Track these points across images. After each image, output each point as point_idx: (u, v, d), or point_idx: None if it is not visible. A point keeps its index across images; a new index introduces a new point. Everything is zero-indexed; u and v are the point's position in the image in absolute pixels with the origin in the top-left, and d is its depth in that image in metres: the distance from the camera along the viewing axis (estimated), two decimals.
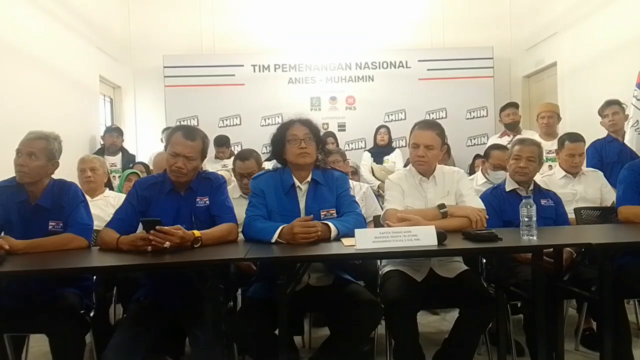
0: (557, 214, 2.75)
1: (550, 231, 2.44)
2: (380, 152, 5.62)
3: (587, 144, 3.93)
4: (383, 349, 2.53)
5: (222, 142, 5.53)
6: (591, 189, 3.29)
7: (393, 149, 5.74)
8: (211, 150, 5.31)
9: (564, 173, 3.33)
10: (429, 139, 2.48)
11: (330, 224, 2.21)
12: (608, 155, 3.88)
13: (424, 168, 2.53)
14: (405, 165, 4.30)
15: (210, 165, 5.27)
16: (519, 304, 2.95)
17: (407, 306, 2.23)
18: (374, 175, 5.41)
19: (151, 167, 4.54)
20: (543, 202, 2.73)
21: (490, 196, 2.76)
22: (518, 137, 3.03)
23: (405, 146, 5.50)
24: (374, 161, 5.52)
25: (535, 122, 4.80)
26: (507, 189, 2.78)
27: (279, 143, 2.40)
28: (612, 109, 3.90)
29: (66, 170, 2.61)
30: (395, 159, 5.57)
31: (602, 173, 3.48)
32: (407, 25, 6.74)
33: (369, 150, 5.74)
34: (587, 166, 3.68)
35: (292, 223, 2.15)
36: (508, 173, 2.88)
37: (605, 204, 3.29)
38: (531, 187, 2.79)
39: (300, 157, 2.35)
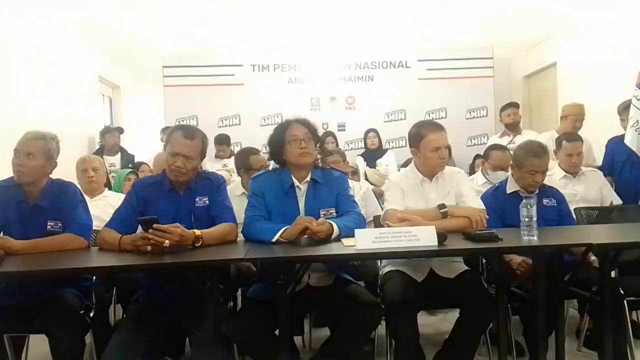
0: (560, 215, 2.70)
1: (551, 231, 2.43)
2: (372, 156, 5.56)
3: (586, 143, 3.91)
4: (383, 350, 2.52)
5: (223, 141, 5.53)
6: (592, 189, 3.29)
7: (385, 152, 5.69)
8: (212, 150, 5.31)
9: (564, 173, 3.32)
10: (446, 139, 2.50)
11: (333, 223, 2.21)
12: (619, 155, 3.85)
13: (444, 168, 2.55)
14: (404, 166, 4.28)
15: (211, 164, 5.26)
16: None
17: (407, 306, 2.23)
18: (367, 179, 5.31)
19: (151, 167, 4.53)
20: (545, 201, 2.69)
21: (491, 197, 2.73)
22: (528, 144, 2.74)
23: (405, 146, 5.49)
24: (367, 165, 5.41)
25: (560, 120, 4.41)
26: (509, 191, 2.73)
27: (278, 144, 2.40)
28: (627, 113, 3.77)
29: (65, 170, 2.60)
30: (389, 162, 5.50)
31: (601, 172, 3.49)
32: (407, 25, 6.73)
33: (361, 155, 5.66)
34: (601, 164, 3.67)
35: (296, 222, 2.16)
36: (513, 177, 2.76)
37: (605, 204, 3.29)
38: (536, 191, 2.70)
39: (302, 157, 2.35)
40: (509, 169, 2.87)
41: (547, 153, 2.70)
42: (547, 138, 4.06)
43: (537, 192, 2.71)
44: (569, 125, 4.21)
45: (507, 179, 2.83)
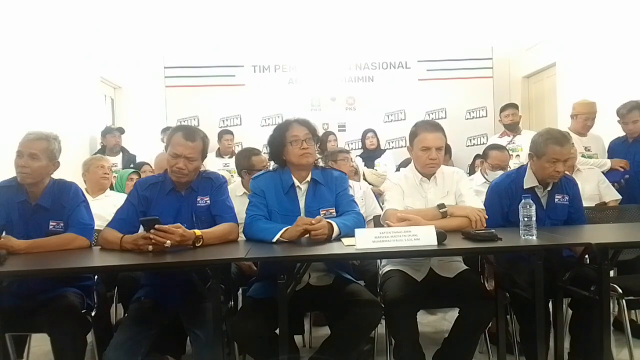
0: (569, 216, 2.62)
1: (550, 230, 2.44)
2: (370, 156, 5.57)
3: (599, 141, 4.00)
4: (383, 349, 2.53)
5: (228, 131, 5.78)
6: (588, 185, 3.29)
7: (383, 152, 5.70)
8: (213, 148, 5.32)
9: None
10: (439, 140, 2.49)
11: (333, 223, 2.22)
12: (618, 156, 3.86)
13: (435, 170, 2.54)
14: (403, 166, 4.29)
15: (212, 161, 5.28)
16: None
17: (407, 306, 2.24)
18: (365, 179, 5.30)
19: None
20: (557, 198, 2.58)
21: (504, 191, 2.59)
22: (548, 131, 2.55)
23: (405, 146, 5.50)
24: (364, 165, 5.39)
25: (570, 119, 4.24)
26: (526, 186, 2.56)
27: (279, 144, 2.41)
28: (633, 116, 3.70)
29: (66, 171, 2.61)
30: (387, 162, 5.51)
31: (598, 169, 3.50)
32: (407, 25, 6.74)
33: (359, 156, 5.63)
34: None
35: (297, 223, 2.18)
36: (532, 169, 2.58)
37: (602, 200, 3.30)
38: (549, 187, 2.59)
39: (304, 157, 2.37)
40: (528, 160, 2.64)
41: (569, 141, 2.53)
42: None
43: (550, 187, 2.59)
44: (579, 124, 4.08)
45: (524, 168, 2.65)
